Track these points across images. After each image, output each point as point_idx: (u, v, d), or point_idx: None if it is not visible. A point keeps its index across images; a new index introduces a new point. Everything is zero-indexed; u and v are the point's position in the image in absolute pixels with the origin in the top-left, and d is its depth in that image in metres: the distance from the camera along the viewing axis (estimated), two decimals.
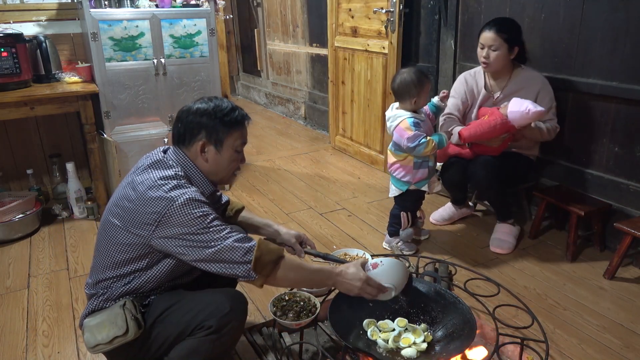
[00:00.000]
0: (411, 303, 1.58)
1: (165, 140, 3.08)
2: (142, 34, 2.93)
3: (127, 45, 2.90)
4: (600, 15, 2.27)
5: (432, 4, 3.16)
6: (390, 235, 2.47)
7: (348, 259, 1.88)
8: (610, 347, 1.78)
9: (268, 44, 5.78)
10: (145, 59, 2.97)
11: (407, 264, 1.74)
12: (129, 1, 2.96)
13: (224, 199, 1.76)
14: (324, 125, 4.77)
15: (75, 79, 2.92)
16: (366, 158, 3.81)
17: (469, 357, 1.49)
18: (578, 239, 2.36)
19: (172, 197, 1.31)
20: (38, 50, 2.93)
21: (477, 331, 1.47)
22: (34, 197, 2.86)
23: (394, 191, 2.37)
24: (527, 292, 2.12)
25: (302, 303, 1.59)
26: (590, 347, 1.79)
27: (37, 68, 2.95)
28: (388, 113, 2.29)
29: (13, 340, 1.91)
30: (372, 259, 1.54)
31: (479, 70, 2.53)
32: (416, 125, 2.18)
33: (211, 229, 1.31)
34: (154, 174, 1.38)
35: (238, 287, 1.79)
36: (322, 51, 4.58)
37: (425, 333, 1.49)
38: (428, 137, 2.17)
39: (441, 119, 2.56)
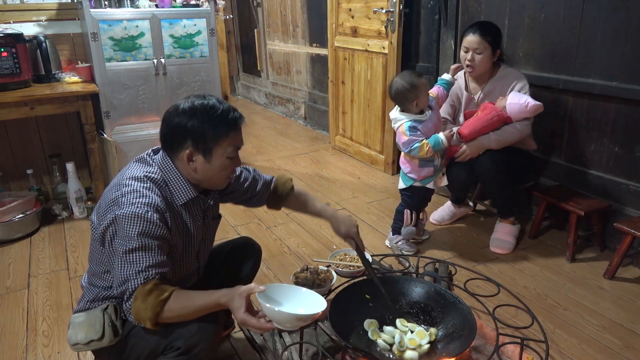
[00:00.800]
0: (411, 303, 1.58)
1: None
2: (142, 34, 2.93)
3: (127, 45, 2.90)
4: (600, 15, 2.27)
5: (432, 4, 3.16)
6: (394, 232, 2.48)
7: (348, 259, 1.89)
8: (610, 347, 1.78)
9: (268, 44, 5.78)
10: (145, 59, 2.97)
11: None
12: (129, 1, 2.96)
13: (263, 179, 1.65)
14: (324, 125, 4.77)
15: (75, 79, 2.92)
16: (366, 158, 3.81)
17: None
18: (578, 239, 2.36)
19: (120, 202, 1.25)
20: (38, 50, 2.93)
21: (477, 331, 1.47)
22: (34, 197, 2.86)
23: (400, 183, 2.43)
24: (527, 292, 2.12)
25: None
26: (590, 347, 1.79)
27: (37, 68, 2.95)
28: (392, 114, 2.32)
29: (13, 340, 1.91)
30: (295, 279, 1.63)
31: (460, 73, 2.54)
32: (412, 129, 2.22)
33: (130, 257, 1.22)
34: (127, 172, 1.35)
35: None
36: (322, 51, 4.58)
37: (429, 332, 1.47)
38: (423, 141, 2.21)
39: None
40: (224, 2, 3.47)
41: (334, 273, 1.76)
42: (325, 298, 1.65)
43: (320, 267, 1.81)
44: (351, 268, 1.82)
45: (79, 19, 3.13)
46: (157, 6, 2.99)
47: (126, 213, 1.23)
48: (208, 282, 1.58)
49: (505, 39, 2.63)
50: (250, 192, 1.64)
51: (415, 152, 2.23)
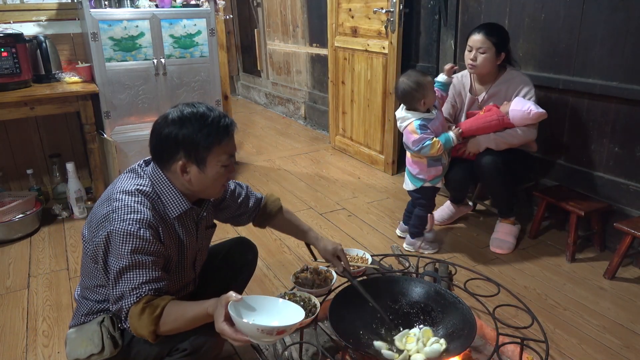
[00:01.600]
0: (411, 303, 1.58)
1: None
2: (142, 34, 2.93)
3: (127, 45, 2.90)
4: (600, 15, 2.27)
5: (432, 4, 3.16)
6: (413, 236, 2.47)
7: (348, 259, 1.88)
8: (610, 347, 1.78)
9: (268, 44, 5.78)
10: (145, 59, 2.97)
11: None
12: (129, 1, 2.96)
13: (255, 196, 1.67)
14: (324, 125, 4.77)
15: (75, 79, 2.92)
16: (366, 158, 3.81)
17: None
18: (578, 239, 2.36)
19: (111, 218, 1.23)
20: (38, 50, 2.93)
21: (477, 331, 1.47)
22: (34, 197, 2.86)
23: (408, 185, 2.40)
24: (527, 292, 2.12)
25: (302, 303, 1.59)
26: (590, 347, 1.79)
27: (37, 68, 2.95)
28: (398, 113, 2.31)
29: (13, 340, 1.91)
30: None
31: (465, 73, 2.53)
32: (422, 127, 2.21)
33: (123, 275, 1.21)
34: (117, 185, 1.31)
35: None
36: (322, 51, 4.58)
37: (435, 339, 1.47)
38: (434, 139, 2.20)
39: None
40: (224, 2, 3.46)
41: (334, 273, 1.76)
42: (325, 298, 1.66)
43: (320, 267, 1.81)
44: (351, 268, 1.82)
45: (79, 19, 3.13)
46: (157, 6, 2.99)
47: (118, 230, 1.21)
48: (206, 286, 1.58)
49: None
50: (243, 208, 1.64)
51: (426, 150, 2.21)
